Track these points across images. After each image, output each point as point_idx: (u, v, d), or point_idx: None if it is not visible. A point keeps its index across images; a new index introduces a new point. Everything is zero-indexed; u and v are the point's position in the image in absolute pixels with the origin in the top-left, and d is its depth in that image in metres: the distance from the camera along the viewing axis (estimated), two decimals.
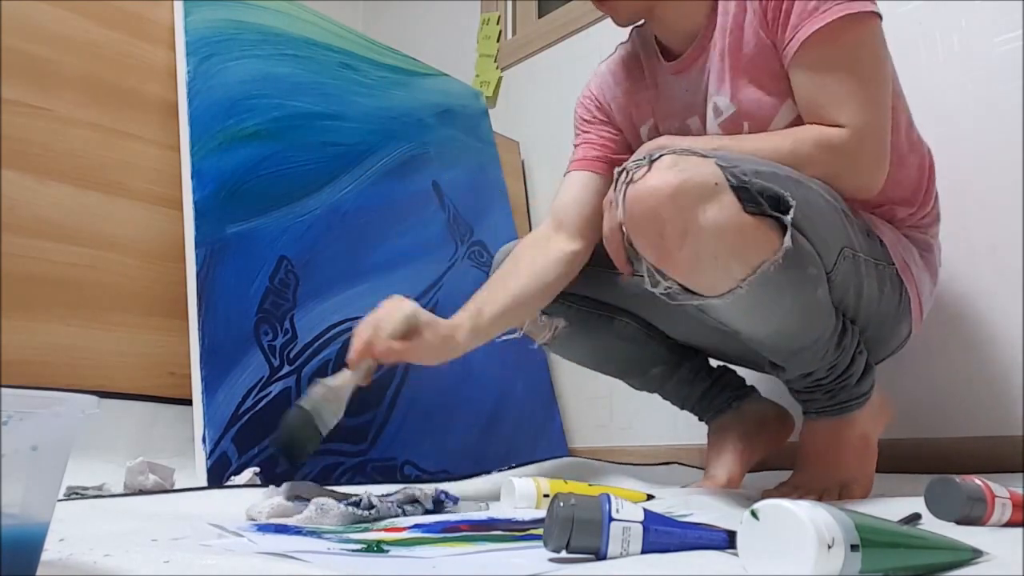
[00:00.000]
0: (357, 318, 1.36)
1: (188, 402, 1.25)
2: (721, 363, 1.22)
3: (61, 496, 0.89)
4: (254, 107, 1.41)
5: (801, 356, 0.91)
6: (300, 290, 1.33)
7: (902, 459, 1.18)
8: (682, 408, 1.22)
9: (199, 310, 1.21)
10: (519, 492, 0.88)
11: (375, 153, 1.57)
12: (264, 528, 0.69)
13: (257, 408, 1.19)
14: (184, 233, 1.28)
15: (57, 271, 1.22)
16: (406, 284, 1.50)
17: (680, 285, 0.82)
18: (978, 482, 0.68)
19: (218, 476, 1.10)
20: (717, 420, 1.18)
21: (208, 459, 1.10)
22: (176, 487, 1.01)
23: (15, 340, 1.15)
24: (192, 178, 1.30)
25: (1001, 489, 0.69)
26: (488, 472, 1.33)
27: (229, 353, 1.20)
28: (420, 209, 1.62)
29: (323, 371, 1.29)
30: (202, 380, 1.16)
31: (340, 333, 1.35)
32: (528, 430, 1.61)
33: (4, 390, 0.38)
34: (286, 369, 1.25)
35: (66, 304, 1.22)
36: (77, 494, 0.92)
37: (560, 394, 1.79)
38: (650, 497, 0.99)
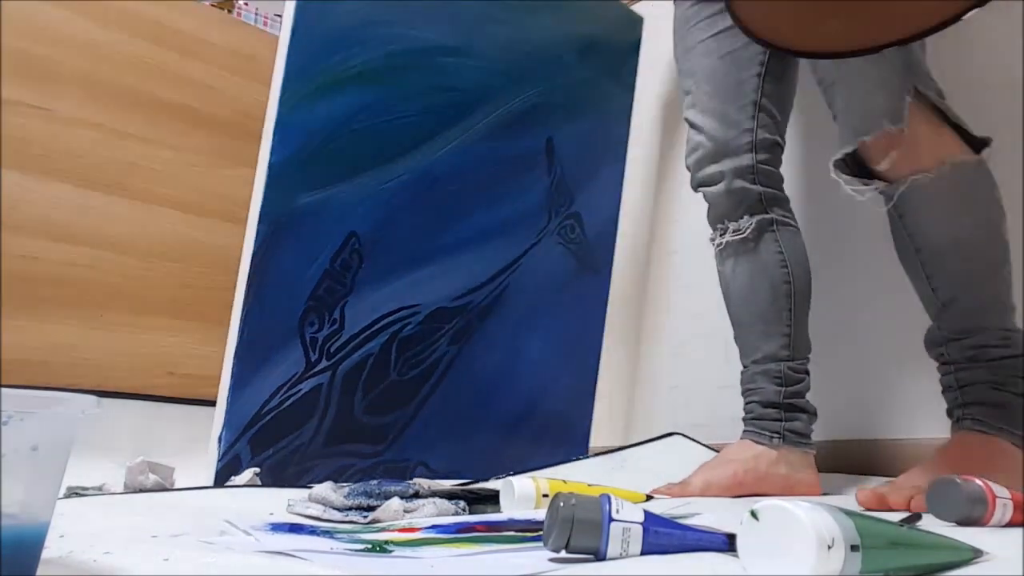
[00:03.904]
0: (412, 307, 1.24)
1: (188, 401, 1.25)
2: (799, 397, 1.09)
3: (61, 496, 0.89)
4: (367, 39, 1.20)
5: (984, 286, 0.92)
6: (361, 274, 1.19)
7: (902, 459, 1.18)
8: (746, 401, 1.13)
9: (245, 300, 1.09)
10: (518, 492, 0.88)
11: (492, 100, 1.35)
12: (278, 527, 0.69)
13: (283, 407, 1.11)
14: (251, 201, 1.14)
15: (57, 271, 1.22)
16: (474, 268, 1.32)
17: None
18: (979, 483, 0.68)
19: (225, 478, 1.06)
20: (754, 441, 1.08)
21: (219, 461, 1.05)
22: (176, 486, 1.01)
23: (15, 340, 1.15)
24: (274, 134, 1.11)
25: (1002, 490, 0.69)
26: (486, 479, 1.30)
27: (267, 348, 1.10)
28: (523, 173, 1.40)
29: (361, 367, 1.19)
30: (232, 376, 1.07)
31: (388, 325, 1.22)
32: (555, 429, 1.45)
33: (4, 390, 0.38)
34: (323, 364, 1.15)
35: (66, 304, 1.22)
36: (77, 494, 0.92)
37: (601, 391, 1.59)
38: (650, 497, 0.99)
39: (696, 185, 1.17)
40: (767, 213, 1.11)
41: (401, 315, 1.23)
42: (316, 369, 1.14)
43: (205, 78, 1.47)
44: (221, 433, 1.06)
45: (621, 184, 1.55)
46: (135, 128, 1.36)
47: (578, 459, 1.41)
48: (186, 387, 1.28)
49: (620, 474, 1.20)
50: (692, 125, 1.17)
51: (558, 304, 1.43)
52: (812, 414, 1.08)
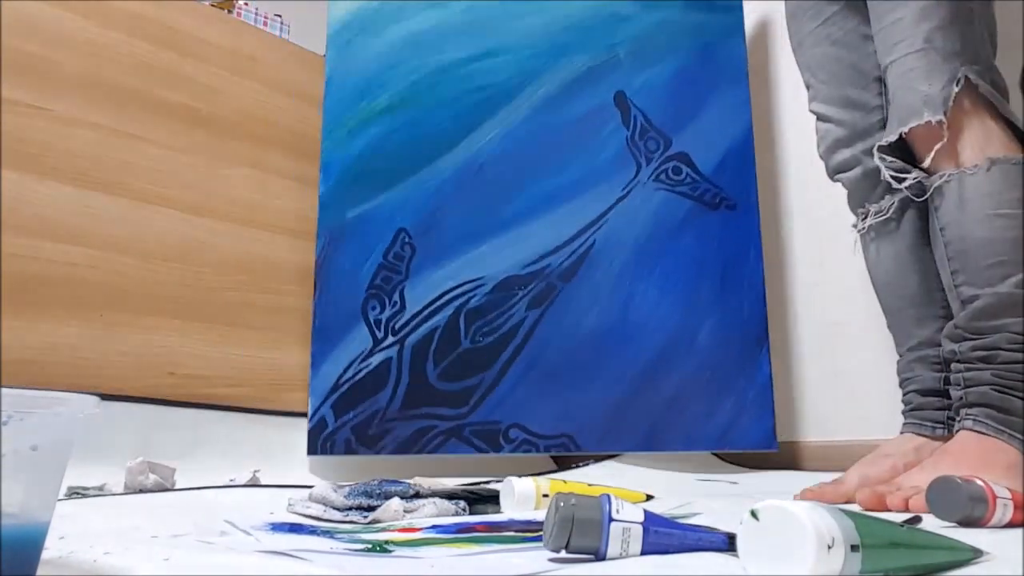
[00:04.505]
0: (475, 280, 1.38)
1: (188, 403, 1.25)
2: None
3: (61, 496, 0.89)
4: (389, 79, 1.41)
5: (1006, 289, 0.87)
6: (415, 261, 1.37)
7: None
8: (904, 392, 1.06)
9: (314, 295, 1.34)
10: (518, 492, 0.88)
11: (533, 82, 1.42)
12: (278, 527, 0.69)
13: (356, 377, 1.31)
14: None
15: (57, 271, 1.22)
16: (548, 231, 1.38)
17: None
18: (980, 482, 0.68)
19: (316, 437, 1.28)
20: (915, 433, 1.01)
21: (309, 422, 1.30)
22: (176, 487, 1.01)
23: (15, 340, 1.15)
24: (320, 171, 1.39)
25: (1002, 490, 0.69)
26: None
27: (337, 331, 1.33)
28: (589, 134, 1.42)
29: (428, 340, 1.33)
30: (311, 356, 1.33)
31: (453, 299, 1.35)
32: (707, 386, 1.33)
33: (4, 390, 0.38)
34: (389, 340, 1.33)
35: (66, 304, 1.22)
36: (78, 494, 0.92)
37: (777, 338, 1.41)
38: (649, 498, 0.99)
39: (832, 173, 1.14)
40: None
41: (464, 289, 1.36)
42: (383, 345, 1.33)
43: (205, 78, 1.47)
44: (308, 401, 1.31)
45: (746, 105, 1.44)
46: (135, 128, 1.36)
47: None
48: (187, 387, 1.28)
49: None
50: (819, 116, 1.14)
51: (678, 248, 1.38)
52: None
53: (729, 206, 1.42)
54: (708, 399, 1.33)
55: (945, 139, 0.90)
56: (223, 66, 1.50)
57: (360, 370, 1.31)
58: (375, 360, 1.32)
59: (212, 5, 1.62)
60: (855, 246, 1.14)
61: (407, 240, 1.36)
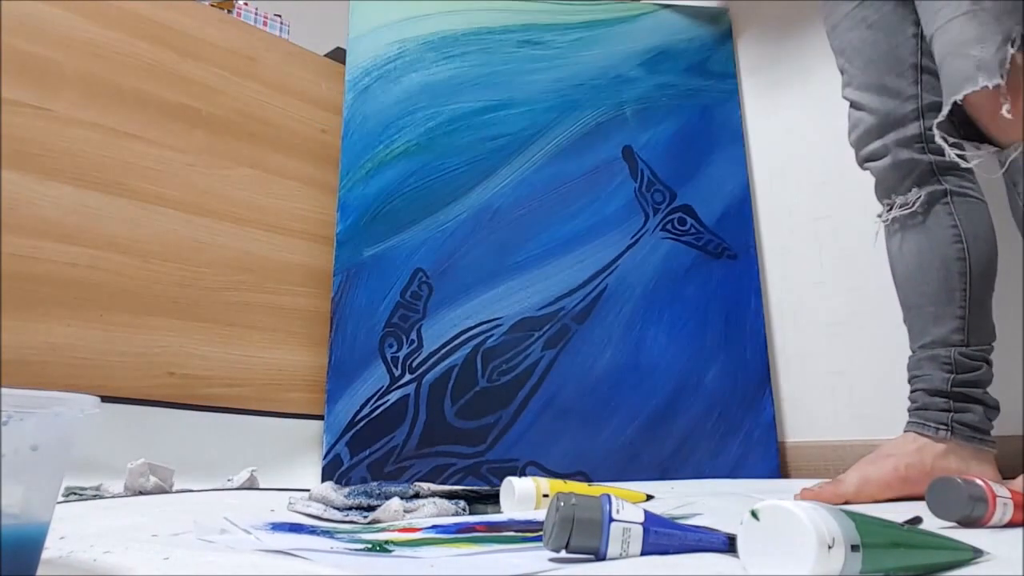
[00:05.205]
0: (494, 320, 1.43)
1: (188, 405, 1.25)
2: (974, 387, 1.01)
3: (59, 497, 0.89)
4: (406, 124, 1.47)
5: None
6: (432, 300, 1.39)
7: None
8: (911, 389, 1.03)
9: (330, 332, 1.36)
10: (518, 492, 0.88)
11: (546, 134, 1.52)
12: (278, 526, 0.69)
13: (373, 415, 1.32)
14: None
15: (57, 271, 1.22)
16: (562, 275, 1.45)
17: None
18: (979, 482, 0.68)
19: (331, 474, 1.27)
20: (918, 433, 0.99)
21: (324, 459, 1.29)
22: (175, 488, 1.01)
23: (15, 340, 1.15)
24: (337, 211, 1.42)
25: (1002, 489, 0.69)
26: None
27: (353, 368, 1.34)
28: (600, 184, 1.51)
29: (446, 378, 1.36)
30: (326, 393, 1.33)
31: (470, 338, 1.39)
32: (715, 427, 1.41)
33: (4, 390, 0.38)
34: (407, 378, 1.35)
35: (66, 304, 1.22)
36: (75, 494, 0.92)
37: (783, 378, 1.49)
38: (650, 497, 0.99)
39: (861, 162, 1.11)
40: (940, 184, 1.01)
41: (482, 329, 1.40)
42: (401, 382, 1.35)
43: (205, 78, 1.47)
44: (323, 437, 1.30)
45: (743, 163, 1.58)
46: (135, 128, 1.36)
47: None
48: (186, 388, 1.28)
49: None
50: (851, 103, 1.10)
51: (684, 295, 1.49)
52: (992, 408, 0.98)
53: (731, 256, 1.54)
54: (716, 439, 1.42)
55: (1007, 105, 0.83)
56: (223, 66, 1.50)
57: (377, 407, 1.32)
58: (392, 398, 1.33)
59: (212, 5, 1.62)
60: (877, 237, 1.11)
61: (424, 279, 1.39)
